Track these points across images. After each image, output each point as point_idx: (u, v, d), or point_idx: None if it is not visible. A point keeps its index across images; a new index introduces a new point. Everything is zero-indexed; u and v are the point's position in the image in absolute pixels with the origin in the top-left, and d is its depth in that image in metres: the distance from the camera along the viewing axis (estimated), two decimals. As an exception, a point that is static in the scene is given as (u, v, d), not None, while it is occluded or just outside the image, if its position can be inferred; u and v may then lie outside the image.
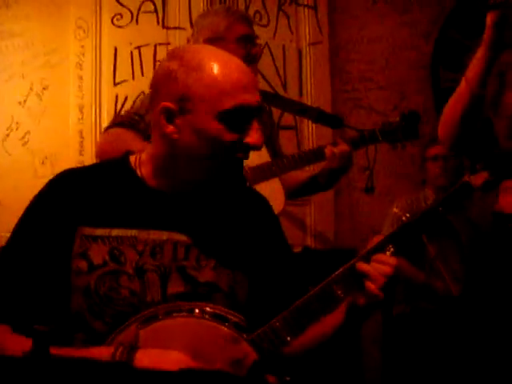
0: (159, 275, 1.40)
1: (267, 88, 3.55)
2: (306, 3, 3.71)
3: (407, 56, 3.91)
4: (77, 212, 1.42)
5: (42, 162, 3.47)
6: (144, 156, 1.49)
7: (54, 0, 3.53)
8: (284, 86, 3.67)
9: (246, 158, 1.42)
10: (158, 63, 3.51)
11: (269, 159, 2.50)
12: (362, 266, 1.38)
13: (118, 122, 2.37)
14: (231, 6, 2.79)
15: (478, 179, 1.46)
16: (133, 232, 1.41)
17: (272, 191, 2.41)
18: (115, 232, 1.41)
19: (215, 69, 1.37)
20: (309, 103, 3.64)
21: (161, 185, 1.45)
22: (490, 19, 1.89)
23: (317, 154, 2.51)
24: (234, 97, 1.36)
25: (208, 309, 1.37)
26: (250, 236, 1.50)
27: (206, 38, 2.46)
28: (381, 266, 1.37)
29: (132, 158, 1.50)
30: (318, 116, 2.85)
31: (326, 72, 3.74)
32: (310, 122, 3.62)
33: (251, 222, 1.52)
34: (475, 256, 2.92)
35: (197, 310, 1.36)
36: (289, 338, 1.37)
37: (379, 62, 3.90)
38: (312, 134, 3.66)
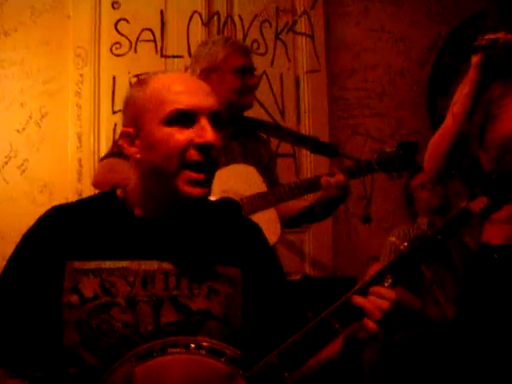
0: (151, 305, 1.38)
1: (265, 116, 3.57)
2: (303, 32, 3.73)
3: (404, 83, 3.94)
4: (65, 247, 1.41)
5: (41, 191, 3.47)
6: (129, 186, 1.50)
7: (53, 28, 3.55)
8: (282, 113, 3.68)
9: (209, 162, 1.41)
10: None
11: (265, 189, 2.49)
12: (359, 300, 1.36)
13: (114, 152, 2.36)
14: (230, 37, 2.79)
15: (477, 205, 1.44)
16: (123, 263, 1.40)
17: (267, 221, 2.40)
18: (105, 264, 1.40)
19: (156, 82, 1.43)
20: (307, 130, 3.66)
21: (148, 213, 1.45)
22: (474, 60, 1.92)
23: (313, 184, 2.49)
24: (175, 101, 1.39)
25: (204, 343, 1.35)
26: (241, 262, 1.49)
27: (203, 68, 2.48)
28: (378, 300, 1.35)
29: (119, 191, 1.52)
30: (314, 146, 2.84)
31: (324, 99, 3.76)
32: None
33: (242, 248, 1.51)
34: (468, 281, 2.93)
35: (192, 345, 1.34)
36: (286, 374, 1.34)
37: (376, 89, 3.92)
38: (310, 161, 3.67)
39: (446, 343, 3.08)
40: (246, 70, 2.49)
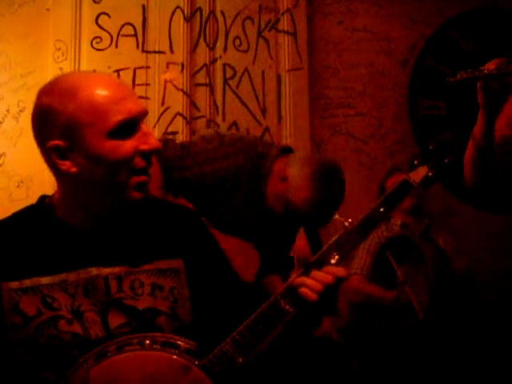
0: (97, 312, 1.37)
1: (247, 114, 3.56)
2: (285, 30, 3.73)
3: (385, 83, 3.95)
4: None
5: (18, 186, 3.43)
6: (55, 197, 1.45)
7: (33, 21, 3.51)
8: (263, 111, 3.67)
9: (150, 164, 1.40)
10: (137, 87, 3.50)
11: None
12: (299, 279, 1.38)
13: None
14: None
15: (418, 175, 1.46)
16: (61, 276, 1.38)
17: (246, 258, 2.35)
18: (43, 280, 1.37)
19: (88, 91, 1.34)
20: (288, 129, 3.65)
21: (79, 221, 1.42)
22: (478, 85, 1.98)
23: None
24: (117, 112, 1.34)
25: (158, 338, 1.35)
26: (182, 252, 1.47)
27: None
28: (320, 274, 1.37)
29: (46, 201, 1.47)
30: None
31: (305, 98, 3.75)
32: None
33: (181, 237, 1.49)
34: (440, 281, 2.95)
35: (147, 341, 1.34)
36: (240, 360, 1.35)
37: (357, 88, 3.92)
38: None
39: (420, 343, 3.12)
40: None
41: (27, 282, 1.36)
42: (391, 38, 3.95)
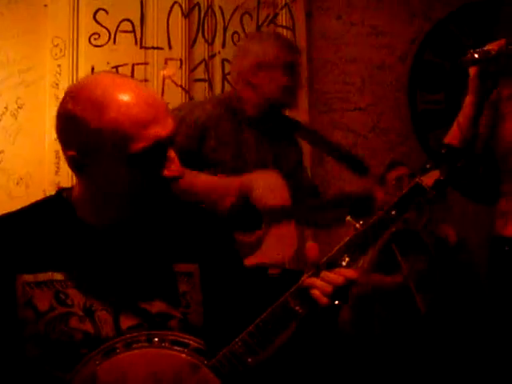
0: (109, 313, 1.36)
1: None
2: (284, 24, 3.72)
3: (384, 77, 3.94)
4: (14, 260, 1.36)
5: (17, 183, 3.41)
6: (75, 193, 1.43)
7: (30, 18, 3.49)
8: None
9: (170, 189, 1.37)
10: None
11: (289, 202, 2.45)
12: (310, 281, 1.36)
13: None
14: (280, 33, 2.81)
15: (430, 179, 1.44)
16: (76, 273, 1.36)
17: (284, 234, 2.39)
18: (58, 276, 1.35)
19: (115, 109, 1.27)
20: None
21: (97, 220, 1.40)
22: (471, 71, 1.97)
23: (341, 201, 2.49)
24: (142, 137, 1.27)
25: (167, 336, 1.34)
26: (198, 256, 1.46)
27: (253, 63, 2.46)
28: (330, 276, 1.35)
29: (64, 195, 1.45)
30: (346, 160, 2.79)
31: (304, 93, 3.74)
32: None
33: (199, 242, 1.48)
34: (445, 275, 2.96)
35: (156, 339, 1.33)
36: (250, 360, 1.34)
37: (356, 83, 3.91)
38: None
39: (421, 337, 3.12)
40: (294, 68, 2.49)
41: (41, 277, 1.35)
42: (390, 33, 3.93)
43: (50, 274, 1.35)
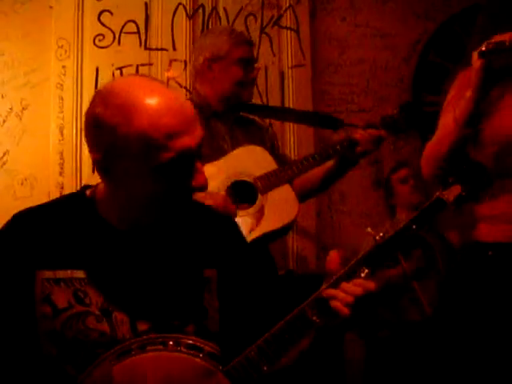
0: (127, 314, 1.35)
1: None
2: (288, 26, 3.72)
3: (388, 79, 3.93)
4: (34, 256, 1.36)
5: (22, 183, 3.42)
6: (99, 191, 1.42)
7: (35, 19, 3.50)
8: (266, 107, 3.66)
9: (191, 198, 1.37)
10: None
11: (276, 166, 2.48)
12: (329, 292, 1.36)
13: None
14: (234, 29, 2.75)
15: (451, 194, 1.44)
16: (96, 272, 1.36)
17: (283, 198, 2.41)
18: (78, 274, 1.35)
19: (144, 117, 1.24)
20: (290, 125, 3.64)
21: (119, 221, 1.39)
22: (476, 64, 1.90)
23: (329, 151, 2.49)
24: (169, 148, 1.25)
25: (182, 340, 1.33)
26: (217, 262, 1.45)
27: (206, 58, 2.48)
28: (351, 287, 1.35)
29: (88, 193, 1.44)
30: (318, 120, 2.87)
31: (308, 94, 3.74)
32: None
33: (218, 248, 1.47)
34: (451, 276, 2.94)
35: (171, 342, 1.32)
36: (265, 368, 1.34)
37: (361, 84, 3.91)
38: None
39: (428, 340, 3.10)
40: (249, 63, 2.50)
41: (61, 274, 1.35)
42: (394, 34, 3.93)
43: (70, 271, 1.35)
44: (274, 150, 2.65)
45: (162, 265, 1.40)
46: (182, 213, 1.42)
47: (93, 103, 1.31)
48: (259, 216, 2.39)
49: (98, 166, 1.32)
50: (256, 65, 2.60)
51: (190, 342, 1.33)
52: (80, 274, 1.35)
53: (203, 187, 1.33)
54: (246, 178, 2.42)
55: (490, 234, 2.02)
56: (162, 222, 1.41)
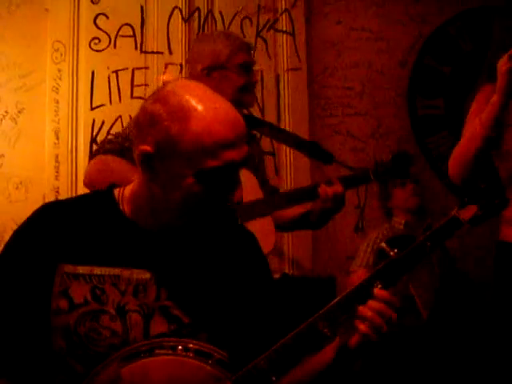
0: (142, 315, 1.35)
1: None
2: (284, 29, 3.72)
3: (384, 82, 3.94)
4: (57, 248, 1.37)
5: (17, 187, 3.41)
6: (127, 191, 1.44)
7: (31, 22, 3.50)
8: (262, 111, 3.66)
9: (223, 210, 1.39)
10: (135, 88, 3.50)
11: (261, 195, 2.43)
12: (363, 311, 1.34)
13: (107, 148, 2.26)
14: (230, 33, 2.66)
15: (467, 213, 1.45)
16: (115, 271, 1.36)
17: (263, 229, 2.36)
18: (97, 270, 1.36)
19: (200, 122, 1.29)
20: (286, 129, 3.64)
21: (144, 222, 1.40)
22: (502, 68, 1.98)
23: (310, 193, 2.42)
24: (217, 156, 1.29)
25: (191, 345, 1.32)
26: (234, 274, 1.45)
27: (205, 66, 2.41)
28: (381, 306, 1.33)
29: (116, 192, 1.45)
30: (311, 150, 2.80)
31: (304, 98, 3.75)
32: (287, 148, 3.62)
33: (237, 261, 1.47)
34: (447, 281, 2.96)
35: (180, 347, 1.31)
36: (274, 378, 1.32)
37: (357, 88, 3.91)
38: (290, 160, 3.66)
39: (424, 343, 3.11)
40: (249, 67, 2.45)
41: (81, 269, 1.35)
42: (390, 38, 3.94)
43: (90, 267, 1.36)
44: (259, 167, 2.61)
45: (181, 268, 1.40)
46: (210, 220, 1.43)
47: (151, 99, 1.34)
48: None
49: (144, 160, 1.33)
50: (255, 67, 2.54)
51: (200, 348, 1.33)
52: (100, 270, 1.36)
53: (238, 202, 1.35)
54: None
55: None
56: (188, 227, 1.42)
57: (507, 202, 1.49)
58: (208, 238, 1.46)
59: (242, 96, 2.43)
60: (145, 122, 1.33)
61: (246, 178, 2.42)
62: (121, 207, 1.42)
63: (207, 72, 2.41)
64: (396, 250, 1.41)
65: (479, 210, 1.45)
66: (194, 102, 1.30)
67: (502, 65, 1.99)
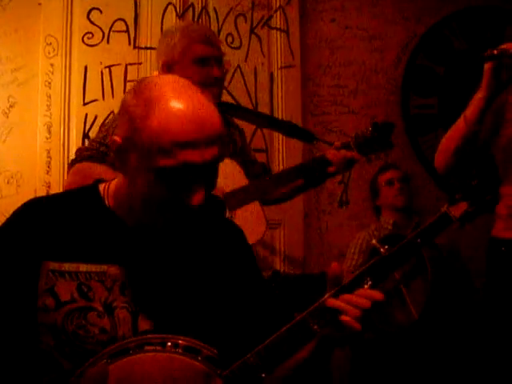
0: (130, 312, 1.34)
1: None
2: (278, 27, 3.72)
3: (377, 81, 3.94)
4: (42, 246, 1.35)
5: (8, 182, 3.39)
6: (112, 186, 1.42)
7: (23, 16, 3.48)
8: (255, 108, 3.65)
9: (180, 218, 1.34)
10: (128, 83, 3.49)
11: (246, 182, 2.42)
12: (335, 303, 1.34)
13: (86, 156, 2.22)
14: (190, 25, 2.54)
15: (457, 210, 1.45)
16: (102, 267, 1.35)
17: (252, 216, 2.36)
18: (83, 267, 1.34)
19: (161, 118, 1.25)
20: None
21: (127, 217, 1.38)
22: (486, 66, 2.04)
23: (299, 170, 2.44)
24: (173, 156, 1.24)
25: (180, 341, 1.31)
26: (222, 270, 1.45)
27: (163, 62, 2.36)
28: (359, 299, 1.33)
29: (101, 187, 1.44)
30: (289, 130, 2.78)
31: (298, 95, 3.75)
32: (280, 144, 3.62)
33: (223, 255, 1.47)
34: (439, 281, 2.97)
35: (169, 343, 1.30)
36: (263, 375, 1.32)
37: (350, 86, 3.91)
38: (282, 156, 3.66)
39: (414, 343, 3.11)
40: (207, 61, 2.34)
41: (67, 266, 1.34)
42: (384, 36, 3.94)
43: (76, 264, 1.34)
44: (244, 152, 2.59)
45: (167, 265, 1.39)
46: (190, 217, 1.40)
47: (130, 90, 1.34)
48: None
49: (114, 151, 1.32)
50: (226, 63, 2.46)
51: (189, 344, 1.32)
52: (86, 267, 1.34)
53: (195, 208, 1.31)
54: (215, 193, 2.37)
55: (503, 230, 2.20)
56: (168, 224, 1.39)
57: (498, 198, 1.50)
58: (193, 233, 1.44)
59: (203, 91, 2.40)
60: (119, 113, 1.33)
61: (229, 167, 2.41)
62: (106, 203, 1.41)
63: (166, 67, 2.36)
64: (386, 247, 1.41)
65: (470, 207, 1.45)
66: (161, 98, 1.27)
67: (486, 64, 2.05)
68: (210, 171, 1.31)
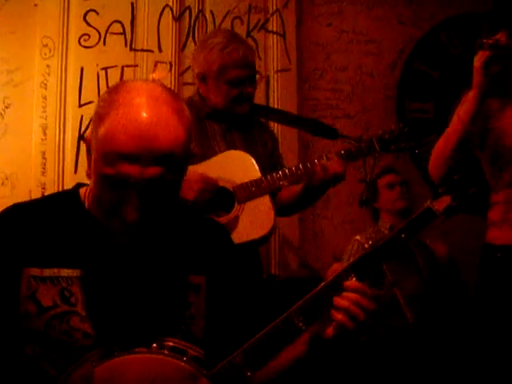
0: (112, 315, 1.32)
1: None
2: (274, 30, 3.72)
3: (373, 85, 3.94)
4: (22, 252, 1.33)
5: (2, 183, 3.39)
6: (91, 190, 1.39)
7: (20, 17, 3.48)
8: (251, 111, 3.65)
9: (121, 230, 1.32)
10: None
11: (259, 176, 2.43)
12: (339, 301, 1.33)
13: None
14: (229, 42, 2.46)
15: (441, 204, 1.45)
16: (82, 272, 1.34)
17: (261, 209, 2.37)
18: (64, 272, 1.33)
19: (109, 126, 1.23)
20: (275, 129, 3.64)
21: (106, 222, 1.36)
22: (477, 61, 2.07)
23: (309, 170, 2.42)
24: (113, 165, 1.23)
25: (166, 343, 1.31)
26: (206, 268, 1.44)
27: (199, 72, 2.45)
28: (362, 300, 1.33)
29: (82, 191, 1.42)
30: (315, 128, 2.81)
31: (293, 99, 3.75)
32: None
33: (207, 253, 1.46)
34: (433, 284, 2.97)
35: (154, 345, 1.30)
36: (249, 374, 1.32)
37: (346, 90, 3.92)
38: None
39: (408, 345, 3.11)
40: (242, 81, 2.42)
41: (48, 272, 1.33)
42: (380, 41, 3.95)
43: (57, 270, 1.33)
44: (273, 154, 2.62)
45: (150, 268, 1.38)
46: (170, 219, 1.40)
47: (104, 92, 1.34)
48: (231, 227, 2.34)
49: (86, 150, 1.32)
50: (258, 76, 2.51)
51: (174, 345, 1.32)
52: (67, 272, 1.33)
53: (129, 223, 1.28)
54: (225, 185, 2.38)
55: (498, 237, 2.22)
56: (149, 226, 1.36)
57: (483, 192, 1.51)
58: (175, 235, 1.43)
59: (232, 106, 2.45)
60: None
61: (245, 161, 2.44)
62: (87, 206, 1.39)
63: (201, 78, 2.45)
64: (370, 242, 1.41)
65: (453, 201, 1.45)
66: (120, 104, 1.24)
67: (476, 61, 2.08)
68: (153, 191, 1.25)
